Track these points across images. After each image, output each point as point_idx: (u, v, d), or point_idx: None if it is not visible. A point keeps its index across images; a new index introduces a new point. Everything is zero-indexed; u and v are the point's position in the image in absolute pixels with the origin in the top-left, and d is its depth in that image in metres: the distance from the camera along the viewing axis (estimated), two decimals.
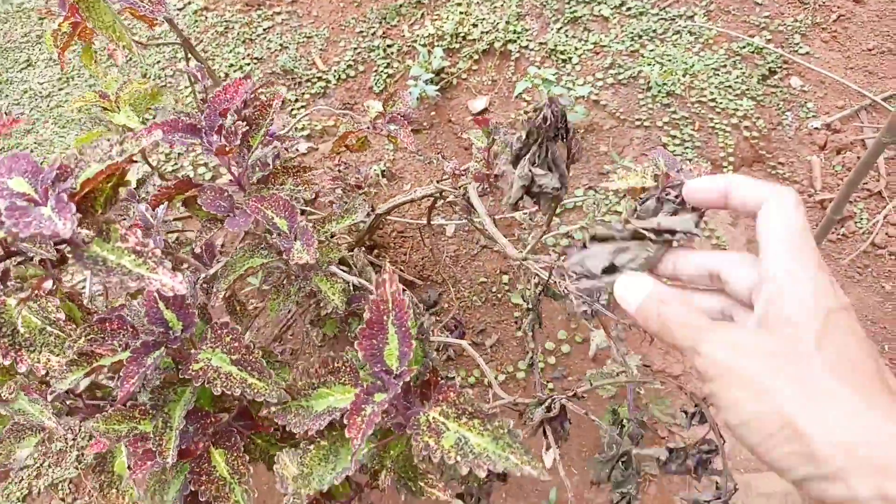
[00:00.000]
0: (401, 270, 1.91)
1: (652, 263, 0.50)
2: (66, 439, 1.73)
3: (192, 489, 0.82)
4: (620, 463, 1.04)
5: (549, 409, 1.01)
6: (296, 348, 1.83)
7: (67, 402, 0.88)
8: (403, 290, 0.70)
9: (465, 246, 1.97)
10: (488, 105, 2.18)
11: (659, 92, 2.08)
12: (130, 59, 2.55)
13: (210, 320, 0.88)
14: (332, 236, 1.02)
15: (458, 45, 2.28)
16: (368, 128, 1.30)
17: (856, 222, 1.90)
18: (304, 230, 0.86)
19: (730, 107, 2.05)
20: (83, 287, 1.21)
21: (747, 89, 2.09)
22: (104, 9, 0.84)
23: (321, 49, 2.41)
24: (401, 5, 2.43)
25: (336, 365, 0.77)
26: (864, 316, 1.75)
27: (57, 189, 0.51)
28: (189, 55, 1.15)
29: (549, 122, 0.71)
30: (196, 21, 2.58)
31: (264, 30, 2.51)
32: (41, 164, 0.56)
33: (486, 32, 2.27)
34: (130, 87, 1.01)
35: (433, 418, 0.68)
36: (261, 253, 0.92)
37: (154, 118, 1.08)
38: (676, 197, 0.53)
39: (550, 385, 1.72)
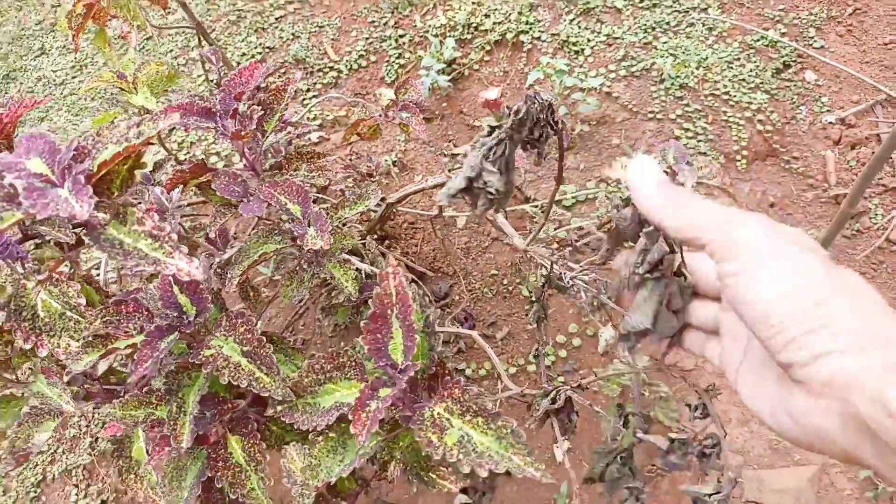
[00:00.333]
0: (411, 262, 1.91)
1: (691, 283, 0.51)
2: (79, 426, 1.75)
3: (209, 475, 0.82)
4: (619, 458, 1.03)
5: (554, 401, 1.01)
6: (307, 338, 1.83)
7: (84, 387, 0.88)
8: (412, 282, 0.69)
9: (476, 238, 1.96)
10: (500, 96, 2.16)
11: (672, 84, 2.06)
12: (143, 47, 2.56)
13: (224, 306, 0.89)
14: (343, 225, 1.02)
15: (470, 36, 2.27)
16: (380, 116, 1.30)
17: (870, 218, 1.89)
18: (318, 216, 0.86)
19: (743, 100, 2.03)
20: (97, 273, 1.22)
21: (761, 83, 2.08)
22: None
23: (333, 39, 2.41)
24: None
25: (342, 360, 0.76)
26: None
27: (74, 170, 0.51)
28: (202, 40, 1.15)
29: (520, 118, 0.69)
30: (208, 10, 2.58)
31: (276, 19, 2.50)
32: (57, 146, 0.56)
33: (499, 23, 2.26)
34: (148, 68, 1.01)
35: (438, 414, 0.67)
36: (274, 239, 0.92)
37: (170, 101, 1.08)
38: None
39: (561, 378, 1.72)
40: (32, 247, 0.74)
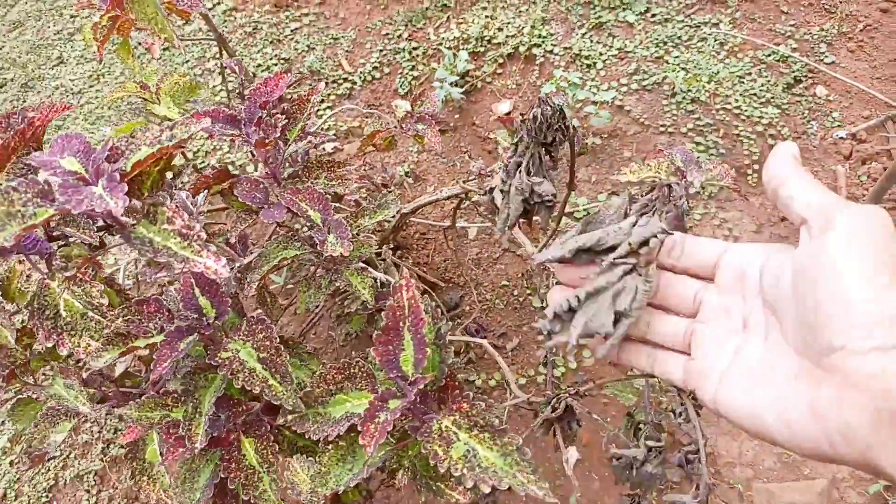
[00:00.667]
0: (423, 272, 1.92)
1: (654, 289, 0.49)
2: (92, 432, 1.76)
3: (222, 476, 0.83)
4: (640, 463, 1.04)
5: (554, 409, 1.01)
6: (318, 347, 1.84)
7: (101, 389, 0.89)
8: (424, 293, 0.70)
9: (488, 249, 1.97)
10: (512, 108, 2.19)
11: (683, 98, 2.07)
12: (161, 57, 2.59)
13: (242, 311, 0.90)
14: (359, 233, 1.03)
15: (483, 49, 2.29)
16: (396, 127, 1.32)
17: None
18: (339, 223, 0.87)
19: (755, 114, 2.04)
20: (115, 279, 1.23)
21: (772, 97, 2.09)
22: (147, 0, 0.86)
23: (347, 51, 2.44)
24: (427, 8, 2.45)
25: (352, 371, 0.77)
26: None
27: (108, 169, 0.53)
28: (222, 51, 1.17)
29: (538, 123, 0.69)
30: (225, 21, 2.61)
31: (292, 31, 2.54)
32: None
33: (511, 36, 2.28)
34: (171, 79, 1.03)
35: (445, 427, 0.68)
36: (294, 245, 0.93)
37: (193, 110, 1.10)
38: (649, 203, 0.53)
39: (567, 387, 1.72)
40: (56, 248, 0.75)
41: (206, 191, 0.89)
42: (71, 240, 0.73)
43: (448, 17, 2.42)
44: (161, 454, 0.91)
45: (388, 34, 2.43)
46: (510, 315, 1.87)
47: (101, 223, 0.65)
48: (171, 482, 0.93)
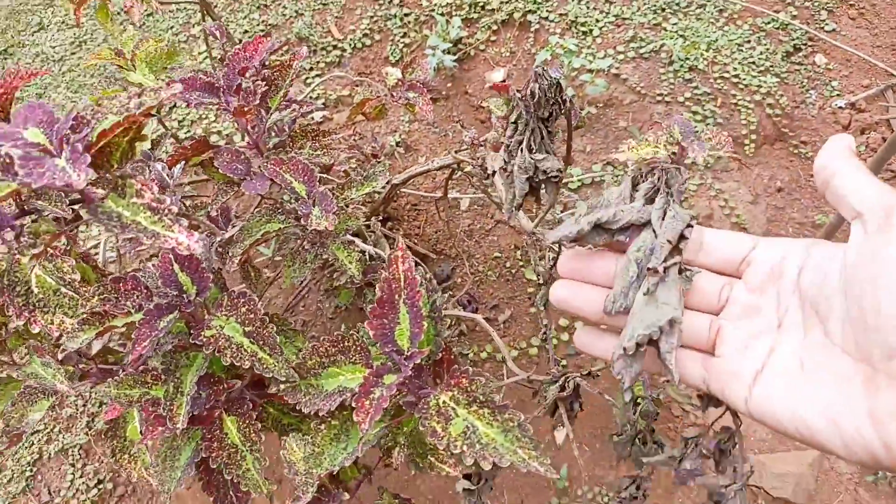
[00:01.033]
0: (414, 244, 1.89)
1: (686, 292, 0.47)
2: (76, 405, 1.74)
3: (204, 456, 0.81)
4: (638, 440, 1.02)
5: (563, 388, 0.99)
6: (307, 320, 1.82)
7: (80, 367, 0.86)
8: (417, 266, 0.67)
9: (480, 220, 1.94)
10: (506, 77, 2.14)
11: (681, 67, 2.03)
12: (144, 23, 2.52)
13: (225, 286, 0.87)
14: (347, 206, 1.00)
15: (476, 15, 2.24)
16: (386, 95, 1.27)
17: None
18: (324, 196, 0.84)
19: (753, 83, 2.00)
20: (97, 253, 1.20)
21: (771, 66, 2.05)
22: None
23: (337, 17, 2.37)
24: None
25: (346, 343, 0.75)
26: None
27: (72, 140, 0.49)
28: (206, 15, 1.12)
29: (536, 99, 0.66)
30: None
31: None
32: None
33: (506, 2, 2.23)
34: (147, 45, 0.98)
35: (443, 402, 0.66)
36: (278, 218, 0.90)
37: (169, 78, 1.06)
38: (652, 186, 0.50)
39: (564, 362, 1.71)
40: (30, 222, 0.72)
41: (184, 162, 0.85)
42: (43, 214, 0.69)
43: None
44: (141, 432, 0.89)
45: None
46: (502, 287, 1.84)
47: (74, 195, 0.62)
48: (151, 460, 0.91)
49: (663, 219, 0.47)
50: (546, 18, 2.18)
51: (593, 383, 1.71)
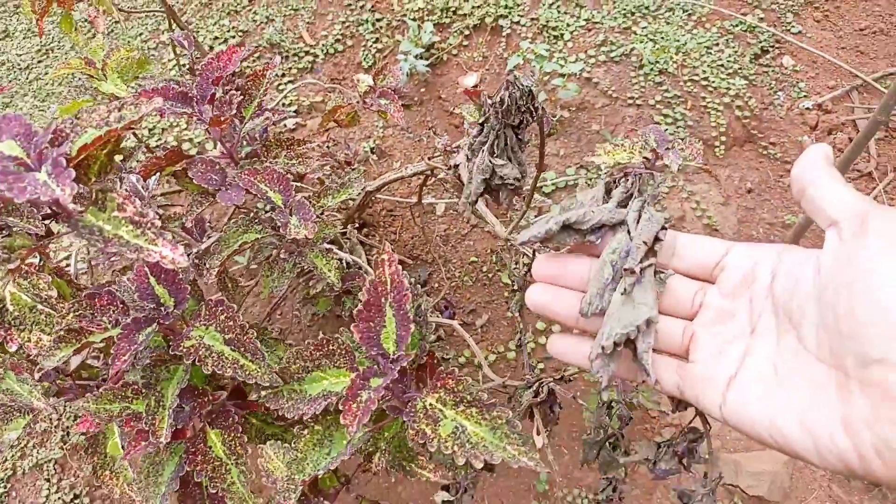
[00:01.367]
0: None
1: (661, 295, 0.47)
2: (50, 419, 1.70)
3: (188, 469, 0.80)
4: (608, 444, 1.03)
5: (537, 394, 1.00)
6: (284, 328, 1.81)
7: (56, 383, 0.85)
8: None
9: (456, 225, 1.95)
10: (479, 82, 2.15)
11: (651, 70, 2.06)
12: (112, 30, 2.49)
13: (202, 297, 0.86)
14: (322, 212, 1.00)
15: (448, 20, 2.24)
16: (358, 102, 1.27)
17: None
18: (301, 204, 0.83)
19: (722, 86, 2.03)
20: (68, 265, 1.18)
21: (740, 68, 2.08)
22: None
23: (308, 22, 2.36)
24: None
25: (331, 347, 0.75)
26: None
27: (52, 154, 0.48)
28: (173, 23, 1.11)
29: (506, 106, 0.67)
30: None
31: (249, 1, 2.45)
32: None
33: (477, 7, 2.24)
34: (117, 54, 0.97)
35: (430, 405, 0.66)
36: (255, 228, 0.89)
37: (140, 87, 1.04)
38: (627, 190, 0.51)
39: (541, 366, 1.72)
40: (2, 237, 0.71)
41: (158, 173, 0.85)
42: (15, 230, 0.68)
43: None
44: (123, 448, 0.88)
45: (350, 4, 2.36)
46: (479, 291, 1.85)
47: (46, 211, 0.61)
48: (134, 476, 0.89)
49: (638, 221, 0.48)
50: (517, 23, 2.20)
51: (568, 387, 1.72)
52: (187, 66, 1.07)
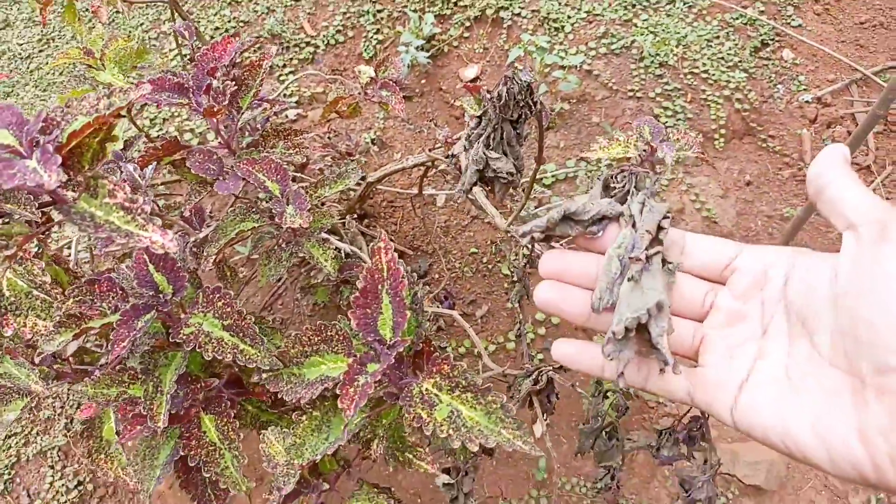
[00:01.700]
0: (391, 240, 1.89)
1: (671, 286, 0.47)
2: (53, 407, 1.72)
3: (182, 454, 0.81)
4: (604, 433, 1.04)
5: (536, 382, 1.01)
6: (285, 317, 1.82)
7: (54, 367, 0.86)
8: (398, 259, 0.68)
9: (456, 216, 1.95)
10: (480, 73, 2.15)
11: (652, 62, 2.06)
12: (113, 20, 2.49)
13: (200, 285, 0.87)
14: (322, 204, 1.01)
15: (449, 11, 2.25)
16: (360, 94, 1.28)
17: None
18: (297, 194, 0.84)
19: (722, 79, 2.04)
20: (69, 254, 1.19)
21: (740, 61, 2.08)
22: None
23: (309, 13, 2.37)
24: None
25: (329, 333, 0.76)
26: None
27: (42, 141, 0.49)
28: (175, 13, 1.12)
29: (504, 102, 0.67)
30: None
31: None
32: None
33: None
34: (116, 44, 0.98)
35: (426, 390, 0.67)
36: (252, 217, 0.90)
37: (140, 77, 1.05)
38: (623, 186, 0.52)
39: (540, 356, 1.73)
40: (0, 224, 0.72)
41: (156, 162, 0.86)
42: (14, 217, 0.69)
43: None
44: (118, 432, 0.89)
45: None
46: (479, 282, 1.86)
47: (44, 199, 0.62)
48: (128, 460, 0.91)
49: (641, 213, 0.48)
50: (518, 15, 2.20)
51: (567, 376, 1.73)
52: (188, 57, 1.08)
